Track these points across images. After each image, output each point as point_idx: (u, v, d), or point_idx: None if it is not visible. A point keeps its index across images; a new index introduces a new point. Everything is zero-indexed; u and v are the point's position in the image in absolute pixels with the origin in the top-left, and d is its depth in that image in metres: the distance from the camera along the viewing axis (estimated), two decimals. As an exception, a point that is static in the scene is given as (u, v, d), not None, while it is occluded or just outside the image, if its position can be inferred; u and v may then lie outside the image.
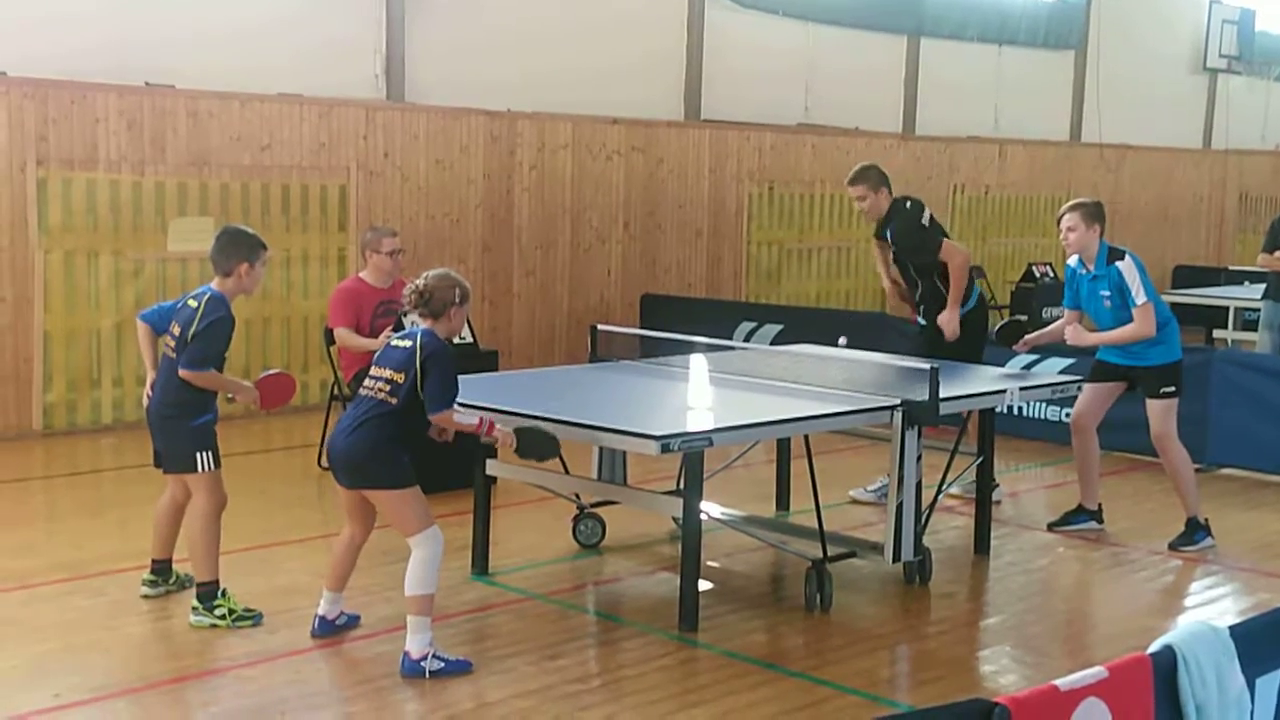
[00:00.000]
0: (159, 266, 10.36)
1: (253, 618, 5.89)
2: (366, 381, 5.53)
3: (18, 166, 9.71)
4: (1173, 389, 7.47)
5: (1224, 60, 21.13)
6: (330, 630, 5.77)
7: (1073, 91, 19.31)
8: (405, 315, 8.41)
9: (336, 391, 8.83)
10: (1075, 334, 7.58)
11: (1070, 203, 7.64)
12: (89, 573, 6.59)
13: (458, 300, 5.50)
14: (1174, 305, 16.33)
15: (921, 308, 8.41)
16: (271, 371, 6.26)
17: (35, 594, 6.31)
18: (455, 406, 5.45)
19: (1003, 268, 17.39)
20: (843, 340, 8.06)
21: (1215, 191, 20.80)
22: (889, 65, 16.86)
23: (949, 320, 8.18)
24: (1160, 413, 7.48)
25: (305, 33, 11.53)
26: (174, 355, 5.87)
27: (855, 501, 8.34)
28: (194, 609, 5.88)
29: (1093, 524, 7.85)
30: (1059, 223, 7.57)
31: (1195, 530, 7.57)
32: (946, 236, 8.46)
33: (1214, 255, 20.52)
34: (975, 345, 8.30)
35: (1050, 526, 7.86)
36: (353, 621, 5.87)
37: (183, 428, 5.86)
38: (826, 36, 15.80)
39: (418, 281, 5.54)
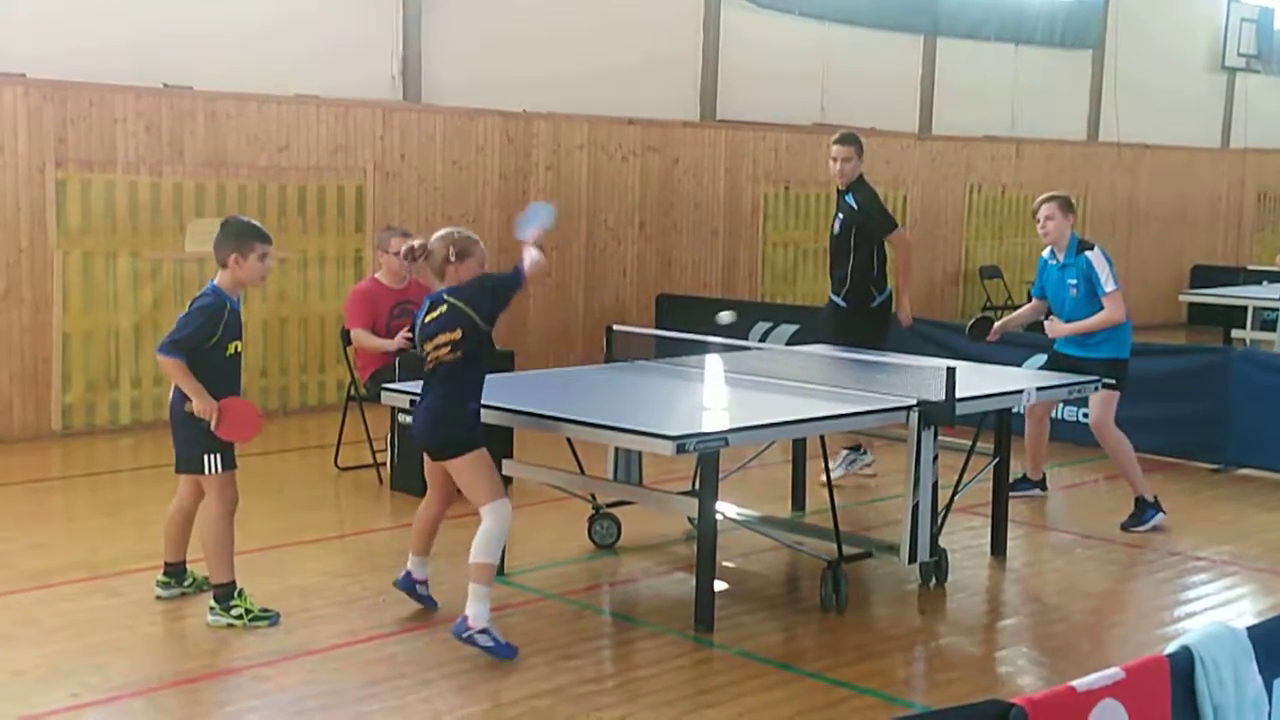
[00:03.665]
0: (177, 267, 10.40)
1: (269, 618, 5.89)
2: (429, 358, 5.70)
3: (36, 168, 9.76)
4: (1113, 383, 7.79)
5: (1242, 59, 21.05)
6: (410, 587, 6.03)
7: (1090, 91, 19.26)
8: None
9: (353, 392, 8.84)
10: (1052, 327, 7.97)
11: (1045, 195, 8.06)
12: (106, 573, 6.62)
13: (454, 258, 5.66)
14: (1192, 305, 16.47)
15: (847, 286, 8.79)
16: (239, 401, 5.93)
17: (53, 594, 6.34)
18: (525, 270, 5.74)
19: (1019, 267, 17.34)
20: (724, 316, 8.19)
21: (1233, 191, 20.71)
22: (905, 65, 16.83)
23: (905, 308, 8.89)
24: (1098, 403, 7.85)
25: (322, 34, 11.56)
26: None
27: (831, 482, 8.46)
28: (211, 609, 5.89)
29: (1036, 491, 8.52)
30: (1036, 214, 7.96)
31: (1145, 509, 7.92)
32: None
33: (1232, 254, 20.43)
34: (884, 333, 8.77)
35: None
36: (430, 602, 6.06)
37: (194, 429, 5.82)
38: (842, 36, 15.79)
39: (415, 241, 5.78)
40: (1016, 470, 8.13)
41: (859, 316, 8.78)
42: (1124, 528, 7.85)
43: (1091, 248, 7.84)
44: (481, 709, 5.13)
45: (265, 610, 5.92)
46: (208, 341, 5.79)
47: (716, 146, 14.10)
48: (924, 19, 16.75)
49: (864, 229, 8.72)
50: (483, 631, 5.48)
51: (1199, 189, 20.08)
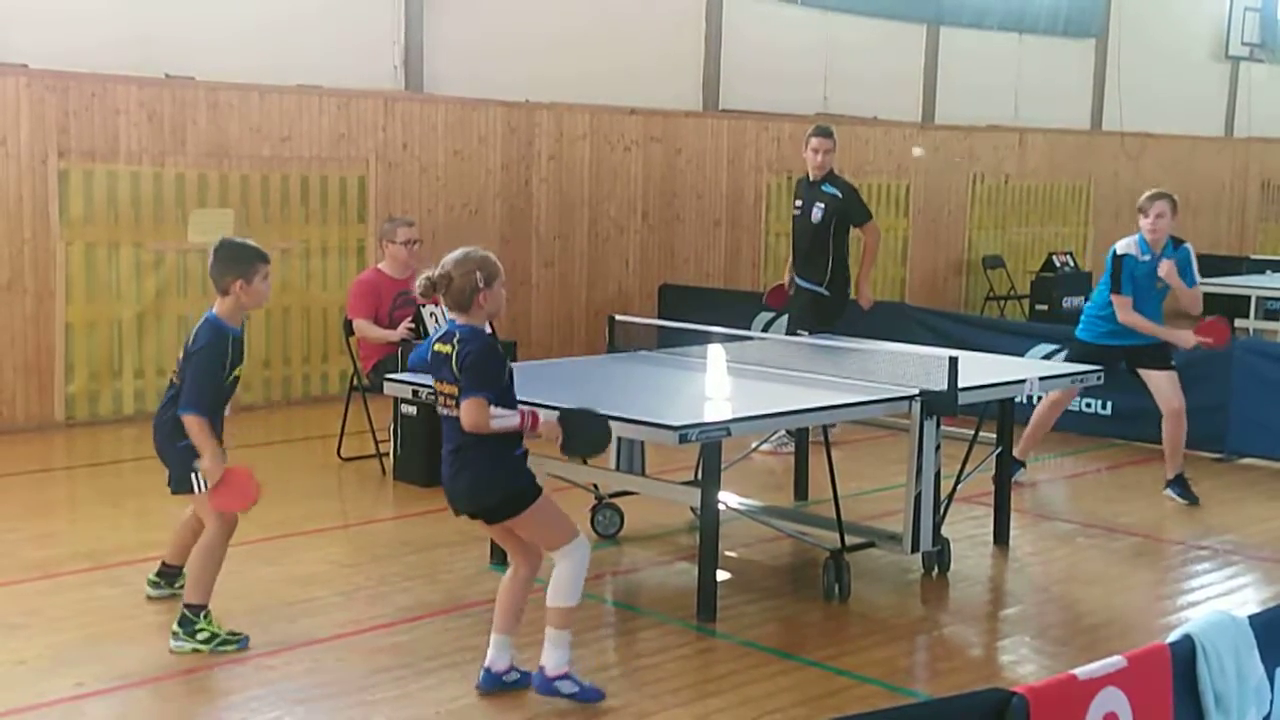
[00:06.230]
0: (179, 258, 10.40)
1: (237, 641, 5.52)
2: (440, 403, 5.01)
3: (39, 158, 9.75)
4: (1172, 361, 8.15)
5: (1246, 48, 20.97)
6: (496, 685, 5.09)
7: (1093, 79, 19.21)
8: (424, 306, 8.49)
9: (356, 383, 8.85)
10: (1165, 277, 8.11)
11: (1156, 191, 8.22)
12: (110, 562, 6.63)
13: (483, 284, 4.88)
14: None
15: (829, 275, 9.20)
16: (243, 471, 5.53)
17: (57, 583, 6.35)
18: (490, 405, 4.81)
19: (1023, 257, 17.33)
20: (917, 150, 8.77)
21: (1237, 180, 20.67)
22: (908, 54, 16.79)
23: (867, 294, 9.35)
24: (1175, 383, 8.09)
25: (324, 24, 11.53)
26: (176, 380, 5.60)
27: (763, 452, 8.92)
28: (174, 634, 5.52)
29: (1022, 469, 8.48)
30: (1145, 210, 8.07)
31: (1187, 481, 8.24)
32: None
33: (1235, 244, 20.39)
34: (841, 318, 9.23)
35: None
36: (524, 680, 5.13)
37: (174, 448, 5.56)
38: (845, 26, 15.74)
39: (432, 272, 4.95)
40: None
41: (840, 304, 9.20)
42: (1191, 501, 8.09)
43: (1184, 242, 8.18)
44: (485, 698, 5.13)
45: (233, 633, 5.55)
46: (223, 378, 5.55)
47: (719, 136, 14.08)
48: (927, 8, 16.71)
49: (844, 218, 9.13)
50: (564, 677, 4.99)
51: (1203, 178, 20.04)
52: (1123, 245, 8.18)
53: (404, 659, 5.45)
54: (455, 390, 4.87)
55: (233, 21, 10.97)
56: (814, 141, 9.21)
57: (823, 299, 9.17)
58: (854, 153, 14.71)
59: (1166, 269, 8.00)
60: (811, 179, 9.30)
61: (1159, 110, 19.35)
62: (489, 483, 4.93)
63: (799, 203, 9.39)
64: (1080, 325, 8.44)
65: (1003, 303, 16.60)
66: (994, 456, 7.18)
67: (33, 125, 9.72)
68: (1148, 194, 8.20)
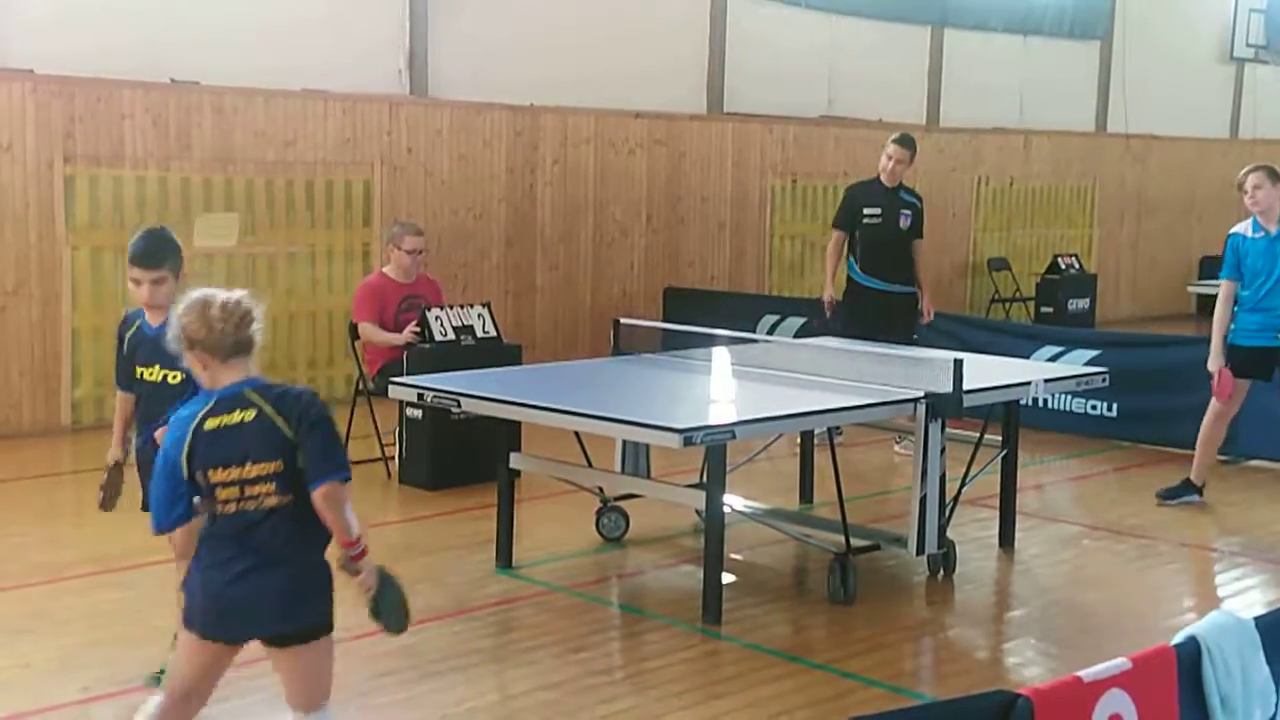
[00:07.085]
0: (185, 263, 10.38)
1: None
2: (226, 497, 3.78)
3: (45, 163, 9.78)
4: None
5: (1251, 49, 20.94)
6: None
7: (1098, 82, 19.19)
8: (429, 310, 8.50)
9: (361, 386, 8.86)
10: None
11: (1249, 166, 7.94)
12: (117, 567, 6.64)
13: (257, 316, 3.87)
14: (1201, 296, 16.41)
15: (915, 275, 9.61)
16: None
17: (63, 587, 6.37)
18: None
19: (1028, 259, 17.32)
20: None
21: (1243, 182, 20.61)
22: (912, 57, 16.79)
23: (929, 305, 9.68)
24: None
25: (329, 29, 11.55)
26: None
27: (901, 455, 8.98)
28: None
29: (1195, 497, 8.14)
30: (1242, 185, 7.82)
31: None
32: None
33: (1241, 246, 20.34)
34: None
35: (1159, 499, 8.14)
36: None
37: None
38: (849, 28, 15.75)
39: (184, 333, 3.80)
40: (1025, 458, 8.11)
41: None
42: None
43: None
44: (489, 701, 5.14)
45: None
46: (124, 364, 5.34)
47: (723, 139, 14.09)
48: (931, 10, 16.71)
49: (917, 229, 9.59)
50: None
51: (1208, 180, 19.99)
52: (1236, 226, 7.95)
53: (410, 662, 5.45)
54: (272, 469, 3.76)
55: (237, 26, 10.98)
56: (891, 149, 9.47)
57: (917, 299, 9.57)
58: (857, 155, 14.71)
59: None
60: (888, 185, 9.53)
61: (1164, 112, 19.34)
62: (312, 600, 3.94)
63: (876, 210, 9.49)
64: (1232, 328, 7.96)
65: (1008, 305, 16.60)
66: (999, 459, 7.18)
67: (38, 130, 9.74)
68: (1244, 170, 7.92)
